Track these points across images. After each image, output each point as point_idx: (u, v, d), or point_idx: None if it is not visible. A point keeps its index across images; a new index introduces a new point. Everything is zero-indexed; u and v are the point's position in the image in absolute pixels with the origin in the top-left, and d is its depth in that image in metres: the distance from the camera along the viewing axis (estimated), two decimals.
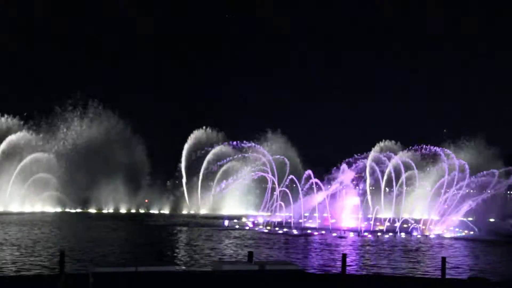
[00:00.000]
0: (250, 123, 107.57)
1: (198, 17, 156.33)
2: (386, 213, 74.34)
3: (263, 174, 77.70)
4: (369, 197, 79.07)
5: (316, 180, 71.11)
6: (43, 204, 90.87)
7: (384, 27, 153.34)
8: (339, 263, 29.39)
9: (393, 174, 76.37)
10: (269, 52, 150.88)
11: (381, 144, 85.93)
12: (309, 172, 71.88)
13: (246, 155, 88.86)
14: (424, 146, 76.79)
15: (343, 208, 68.25)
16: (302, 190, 70.36)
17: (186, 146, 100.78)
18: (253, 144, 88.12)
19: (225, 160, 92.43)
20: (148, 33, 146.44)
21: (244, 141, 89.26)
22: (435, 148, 75.51)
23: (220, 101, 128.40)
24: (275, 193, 72.99)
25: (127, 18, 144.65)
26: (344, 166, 73.43)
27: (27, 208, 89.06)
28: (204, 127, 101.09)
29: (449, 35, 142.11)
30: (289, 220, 66.27)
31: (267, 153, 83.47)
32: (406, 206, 72.91)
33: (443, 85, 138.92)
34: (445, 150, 74.28)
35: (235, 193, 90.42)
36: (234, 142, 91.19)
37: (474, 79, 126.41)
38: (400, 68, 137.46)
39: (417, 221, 64.59)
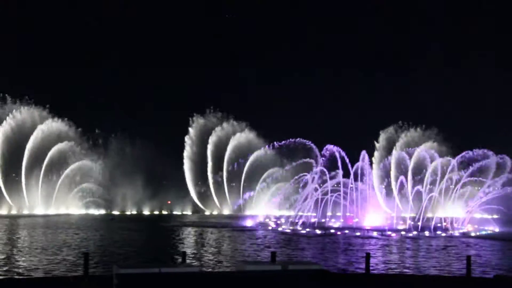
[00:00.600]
0: (250, 122, 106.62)
1: (198, 17, 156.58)
2: (409, 212, 73.45)
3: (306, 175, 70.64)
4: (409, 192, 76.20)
5: (338, 147, 67.68)
6: (68, 207, 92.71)
7: (384, 27, 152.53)
8: (363, 263, 29.16)
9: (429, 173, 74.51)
10: (269, 52, 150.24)
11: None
12: (329, 147, 68.38)
13: (292, 164, 77.70)
14: (478, 150, 72.79)
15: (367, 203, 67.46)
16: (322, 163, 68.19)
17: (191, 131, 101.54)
18: (300, 139, 76.34)
19: (271, 179, 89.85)
20: (148, 33, 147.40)
21: (286, 139, 79.10)
22: (489, 153, 71.34)
23: (220, 101, 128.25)
24: (309, 191, 69.75)
25: (127, 18, 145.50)
26: (364, 153, 71.34)
27: (52, 210, 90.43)
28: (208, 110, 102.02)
29: (449, 35, 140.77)
30: (312, 220, 65.90)
31: (319, 157, 72.01)
32: (434, 205, 71.41)
33: (443, 84, 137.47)
34: (500, 156, 69.97)
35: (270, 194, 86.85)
36: (280, 142, 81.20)
37: (474, 79, 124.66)
38: (400, 68, 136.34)
39: (442, 220, 63.86)
